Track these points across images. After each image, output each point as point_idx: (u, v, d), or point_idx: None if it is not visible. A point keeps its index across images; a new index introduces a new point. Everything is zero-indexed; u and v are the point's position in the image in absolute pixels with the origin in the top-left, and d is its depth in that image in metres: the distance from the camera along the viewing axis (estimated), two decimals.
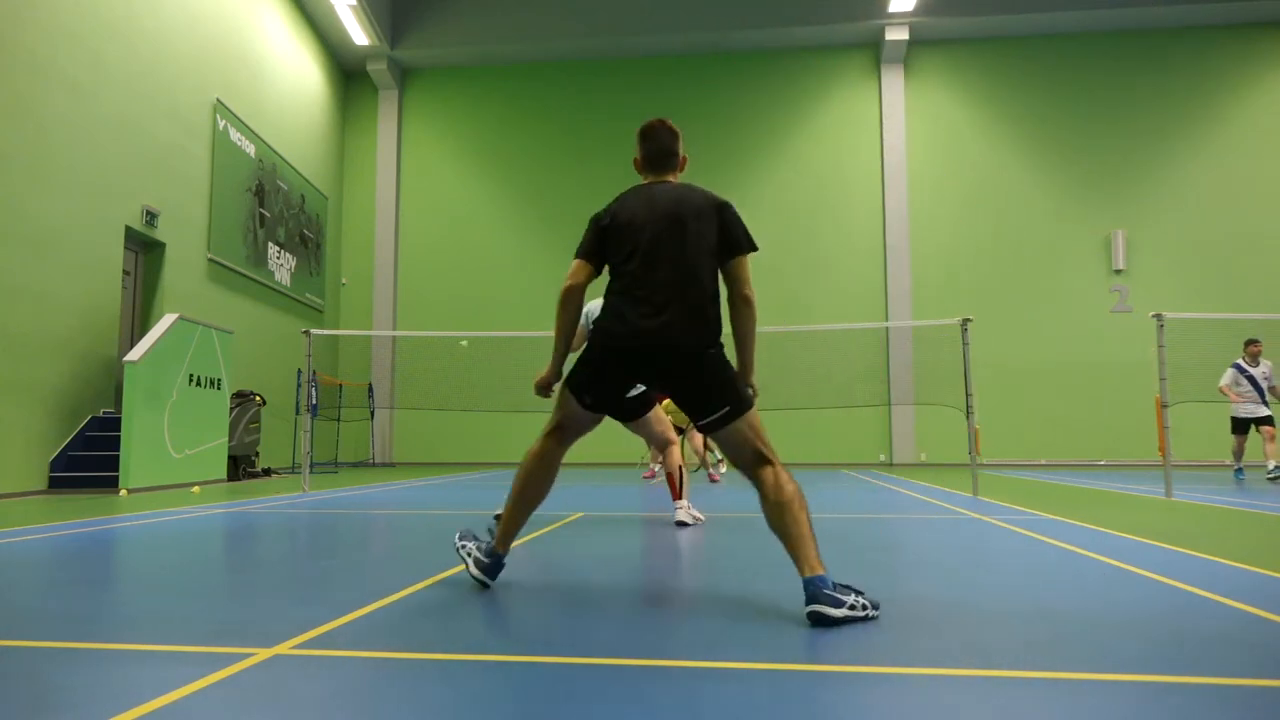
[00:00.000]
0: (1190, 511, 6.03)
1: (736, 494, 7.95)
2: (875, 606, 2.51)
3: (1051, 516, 5.56)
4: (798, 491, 2.71)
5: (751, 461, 2.79)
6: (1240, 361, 10.44)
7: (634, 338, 2.79)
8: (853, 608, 2.43)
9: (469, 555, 3.02)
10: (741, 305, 2.93)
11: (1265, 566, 3.41)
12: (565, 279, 2.95)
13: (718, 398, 2.76)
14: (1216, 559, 3.63)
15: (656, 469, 10.34)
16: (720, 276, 2.93)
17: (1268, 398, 10.24)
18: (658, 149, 3.07)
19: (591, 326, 2.94)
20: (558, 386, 3.04)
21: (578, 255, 2.98)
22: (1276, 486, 9.21)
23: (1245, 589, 2.91)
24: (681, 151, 3.11)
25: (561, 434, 2.99)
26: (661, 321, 2.78)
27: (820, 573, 2.48)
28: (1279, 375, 10.38)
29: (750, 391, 2.92)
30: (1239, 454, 10.57)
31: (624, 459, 15.76)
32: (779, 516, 2.69)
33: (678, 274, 2.83)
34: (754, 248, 2.92)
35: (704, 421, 2.79)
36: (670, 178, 3.07)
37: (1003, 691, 1.78)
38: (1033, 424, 15.38)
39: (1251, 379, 10.27)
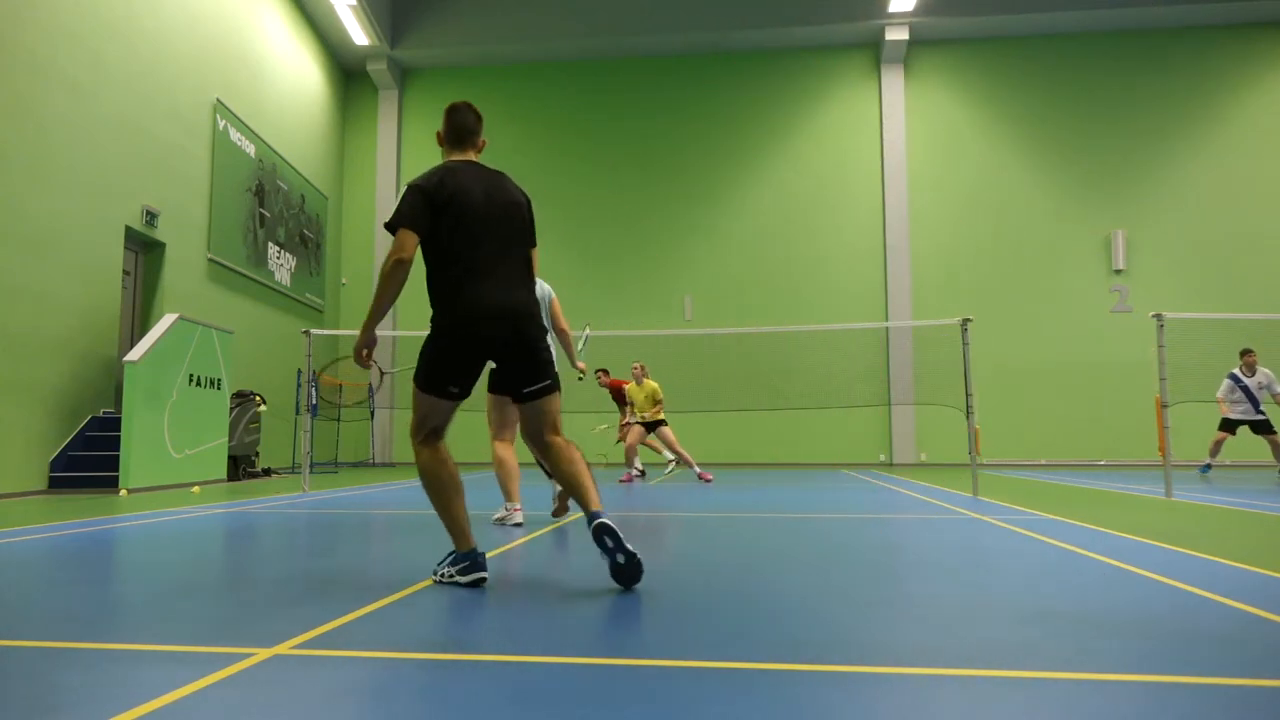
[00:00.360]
0: (1190, 511, 6.03)
1: (739, 494, 7.95)
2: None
3: (1051, 516, 5.56)
4: (579, 453, 3.19)
5: (551, 429, 3.19)
6: (1236, 371, 10.59)
7: (498, 319, 3.05)
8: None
9: (450, 577, 3.04)
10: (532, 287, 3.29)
11: (1265, 566, 3.40)
12: (395, 251, 3.07)
13: (544, 374, 3.14)
14: (1216, 559, 3.63)
15: (634, 474, 10.47)
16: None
17: (1262, 406, 10.35)
18: (463, 124, 3.28)
19: (459, 314, 3.07)
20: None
21: (404, 226, 3.07)
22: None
23: (1245, 589, 2.91)
24: (482, 134, 3.34)
25: (438, 436, 3.20)
26: (516, 301, 3.10)
27: (601, 509, 2.98)
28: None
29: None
30: (1215, 450, 10.71)
31: (623, 459, 15.74)
32: (574, 471, 3.10)
33: (517, 257, 3.20)
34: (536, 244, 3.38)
35: (528, 391, 3.14)
36: (473, 155, 3.30)
37: (1003, 691, 1.78)
38: (1033, 424, 15.38)
39: (1246, 389, 10.42)
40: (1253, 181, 15.47)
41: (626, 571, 2.91)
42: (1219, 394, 10.67)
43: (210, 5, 11.83)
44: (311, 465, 9.34)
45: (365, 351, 3.26)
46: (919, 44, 16.31)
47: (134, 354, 8.53)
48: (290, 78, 14.61)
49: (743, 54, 16.84)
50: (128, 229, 9.89)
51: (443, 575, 3.06)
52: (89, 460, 8.66)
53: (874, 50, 16.48)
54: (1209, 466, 10.92)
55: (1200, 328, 12.45)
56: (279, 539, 4.55)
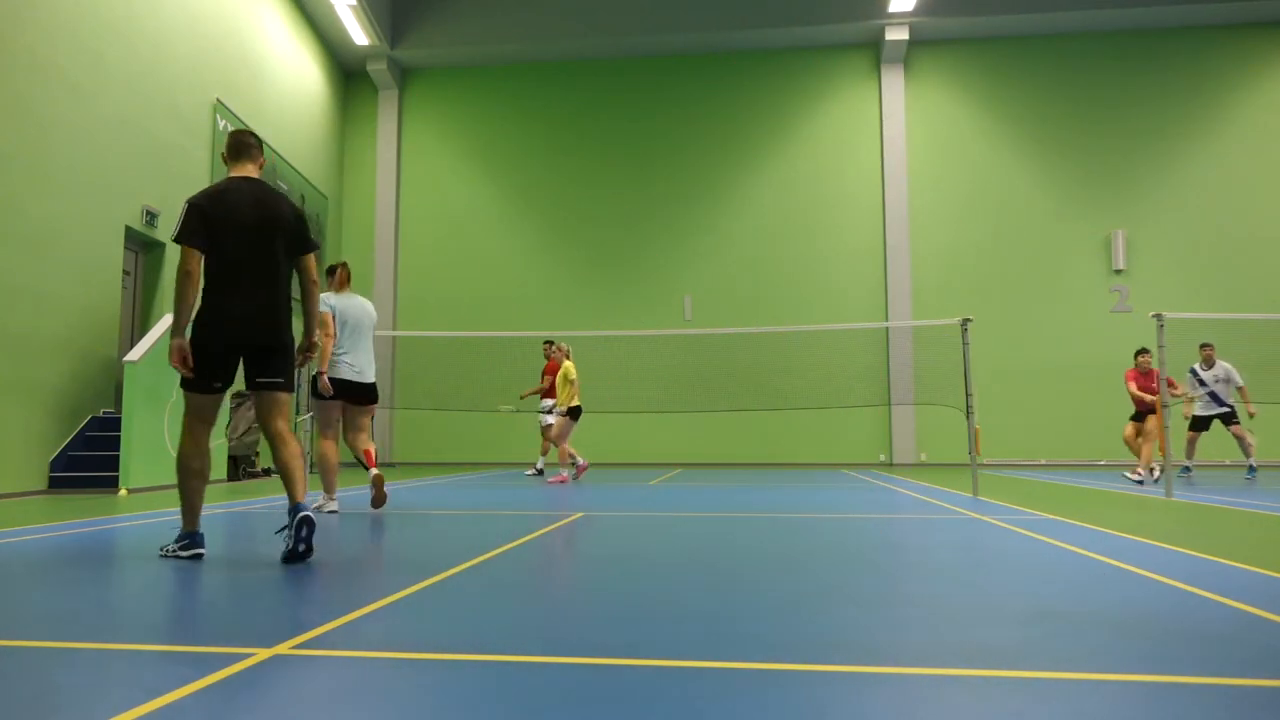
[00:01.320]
0: (1190, 511, 6.03)
1: (739, 495, 7.95)
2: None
3: (1051, 516, 5.56)
4: (300, 448, 3.75)
5: (278, 418, 3.75)
6: (1195, 366, 10.65)
7: (243, 321, 3.60)
8: (319, 508, 3.77)
9: (173, 552, 3.62)
10: (312, 288, 3.92)
11: (1265, 566, 3.41)
12: (182, 264, 3.54)
13: (278, 371, 3.71)
14: (1216, 559, 3.63)
15: (567, 474, 10.04)
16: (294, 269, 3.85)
17: (1228, 398, 10.36)
18: (241, 142, 3.84)
19: (208, 318, 3.62)
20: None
21: (185, 242, 3.56)
22: (1257, 485, 9.28)
23: (1245, 589, 2.91)
24: (262, 155, 3.92)
25: (205, 424, 3.72)
26: (261, 305, 3.63)
27: (304, 502, 3.55)
28: (1244, 373, 10.54)
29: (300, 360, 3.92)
30: (1189, 450, 10.75)
31: (623, 459, 15.76)
32: (288, 460, 3.66)
33: (276, 266, 3.70)
34: (316, 246, 3.90)
35: (260, 381, 3.69)
36: (251, 170, 3.83)
37: (1003, 691, 1.78)
38: (1033, 424, 15.37)
39: (1204, 383, 10.50)
40: (1253, 181, 15.47)
41: (298, 557, 3.49)
42: (1185, 390, 10.74)
43: (210, 5, 11.83)
44: (311, 466, 9.34)
45: (179, 356, 3.59)
46: (919, 44, 16.31)
47: (134, 354, 8.53)
48: (290, 78, 14.62)
49: (743, 54, 16.84)
50: (128, 229, 9.90)
51: (168, 550, 3.64)
52: (89, 460, 8.66)
53: (874, 50, 16.48)
54: (1188, 468, 10.95)
55: (1200, 328, 12.45)
56: (279, 539, 4.55)
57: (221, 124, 12.00)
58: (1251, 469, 10.29)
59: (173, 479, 8.99)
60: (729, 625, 2.40)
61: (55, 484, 8.45)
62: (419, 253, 17.05)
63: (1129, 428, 10.28)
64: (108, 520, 5.45)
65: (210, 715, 1.62)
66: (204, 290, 3.61)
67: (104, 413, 9.23)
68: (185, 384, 3.62)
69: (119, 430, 8.46)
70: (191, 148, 11.29)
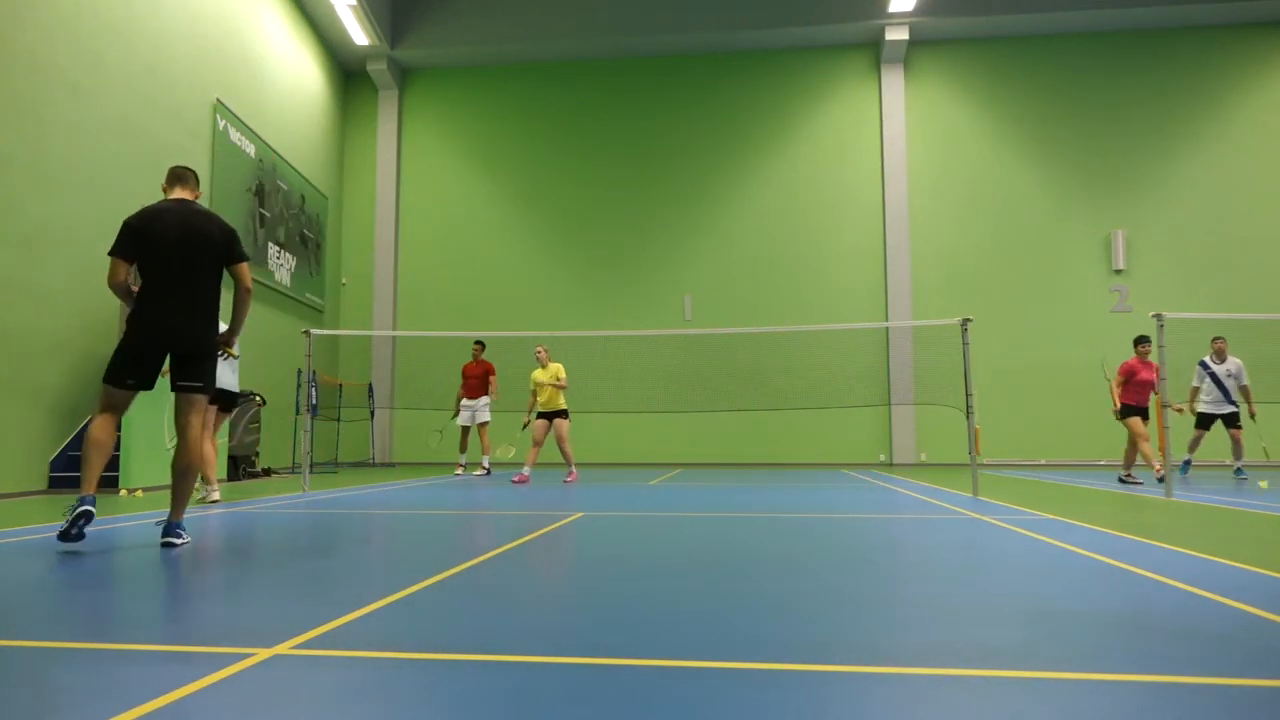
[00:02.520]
0: (1190, 511, 6.03)
1: (739, 495, 7.95)
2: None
3: (1051, 516, 5.56)
4: (196, 462, 4.18)
5: (191, 418, 4.16)
6: (1205, 359, 10.42)
7: (166, 332, 4.05)
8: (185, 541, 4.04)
9: (68, 513, 3.89)
10: (244, 295, 4.37)
11: (1265, 566, 3.41)
12: (109, 275, 4.06)
13: (197, 377, 4.18)
14: (1216, 559, 3.63)
15: (528, 471, 10.19)
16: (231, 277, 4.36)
17: (1234, 396, 10.15)
18: (176, 171, 4.36)
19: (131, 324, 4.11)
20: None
21: (114, 255, 4.06)
22: (1250, 485, 9.24)
23: (1245, 589, 2.91)
24: (195, 180, 4.40)
25: (117, 412, 4.14)
26: (183, 317, 4.09)
27: (179, 521, 4.09)
28: (1253, 368, 10.33)
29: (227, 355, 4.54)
30: (1193, 446, 10.52)
31: (623, 459, 15.76)
32: (186, 469, 4.13)
33: (202, 281, 4.16)
34: (247, 257, 4.38)
35: (179, 384, 4.15)
36: (185, 193, 4.32)
37: (1003, 691, 1.78)
38: (1033, 424, 15.37)
39: (1215, 376, 10.22)
40: (1253, 181, 15.47)
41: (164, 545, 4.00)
42: (1194, 383, 10.57)
43: (210, 5, 11.82)
44: (311, 465, 9.34)
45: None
46: (919, 44, 16.31)
47: None
48: (290, 78, 14.62)
49: (743, 54, 16.84)
50: None
51: (66, 512, 3.93)
52: None
53: (874, 50, 16.48)
54: (1188, 463, 10.76)
55: (1200, 328, 12.45)
56: (279, 539, 4.55)
57: (221, 124, 12.00)
58: (1240, 470, 10.29)
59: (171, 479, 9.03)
60: (729, 625, 2.40)
61: (55, 484, 8.45)
62: (419, 253, 17.05)
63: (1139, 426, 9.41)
64: (108, 520, 5.45)
65: (210, 715, 1.62)
66: (136, 298, 4.11)
67: None
68: (105, 377, 4.09)
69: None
70: (191, 148, 11.29)
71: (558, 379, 10.10)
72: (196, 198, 4.39)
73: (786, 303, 15.98)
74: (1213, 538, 4.45)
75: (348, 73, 17.34)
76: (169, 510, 4.14)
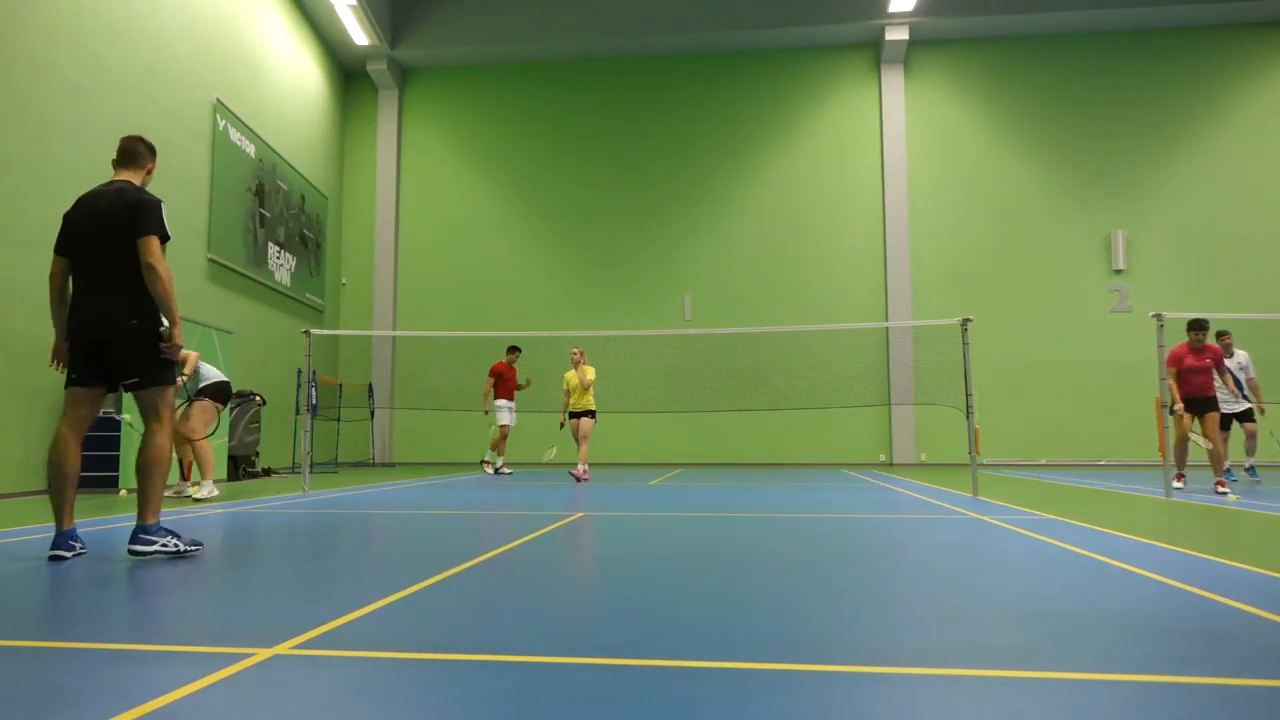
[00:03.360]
0: (1190, 511, 6.03)
1: (739, 495, 7.95)
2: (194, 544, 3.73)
3: (1051, 516, 5.56)
4: (161, 461, 3.73)
5: (152, 418, 3.78)
6: None
7: (91, 323, 3.70)
8: (163, 546, 3.63)
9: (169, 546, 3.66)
10: (144, 272, 3.72)
11: (1265, 566, 3.41)
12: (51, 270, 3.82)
13: (135, 370, 3.75)
14: (1216, 559, 3.63)
15: (583, 468, 10.34)
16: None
17: (1246, 391, 9.71)
18: (122, 148, 3.99)
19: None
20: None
21: (55, 250, 3.83)
22: (1259, 484, 9.16)
23: (1245, 589, 2.91)
24: (149, 159, 4.05)
25: (70, 418, 3.75)
26: (103, 305, 3.70)
27: (149, 523, 3.65)
28: (1255, 367, 9.83)
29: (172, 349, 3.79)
30: (1223, 451, 9.05)
31: (623, 459, 15.76)
32: (149, 467, 3.70)
33: (112, 264, 3.71)
34: (147, 231, 3.71)
35: (125, 385, 3.78)
36: (126, 174, 3.95)
37: (1003, 691, 1.78)
38: (1033, 424, 15.38)
39: (1227, 371, 9.48)
40: (1253, 181, 15.47)
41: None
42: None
43: (210, 5, 11.82)
44: (311, 465, 9.34)
45: (53, 355, 3.86)
46: (919, 44, 16.31)
47: None
48: (290, 78, 14.61)
49: (743, 54, 16.84)
50: None
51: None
52: (89, 460, 8.63)
53: (874, 50, 16.48)
54: (1231, 471, 9.48)
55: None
56: (279, 539, 4.55)
57: (221, 124, 12.00)
58: (1253, 470, 10.12)
59: (172, 480, 9.03)
60: (729, 625, 2.40)
61: None
62: (419, 252, 17.06)
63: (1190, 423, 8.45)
64: (108, 520, 5.45)
65: (210, 715, 1.62)
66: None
67: (104, 413, 9.22)
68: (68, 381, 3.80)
69: (119, 430, 8.46)
70: (191, 148, 11.29)
71: (586, 381, 10.45)
72: (149, 172, 4.06)
73: (786, 303, 15.98)
74: (1213, 538, 4.45)
75: (348, 73, 17.34)
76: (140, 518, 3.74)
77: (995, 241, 15.90)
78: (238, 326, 11.68)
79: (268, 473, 11.76)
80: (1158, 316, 7.52)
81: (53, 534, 3.69)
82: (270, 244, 13.62)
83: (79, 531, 3.84)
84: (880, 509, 6.29)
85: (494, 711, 1.64)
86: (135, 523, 3.67)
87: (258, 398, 11.40)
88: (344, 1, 14.76)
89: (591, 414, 10.52)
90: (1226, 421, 9.79)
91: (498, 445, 11.86)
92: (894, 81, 16.26)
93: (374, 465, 16.10)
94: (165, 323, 3.79)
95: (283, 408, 13.61)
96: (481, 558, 3.69)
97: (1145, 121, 15.84)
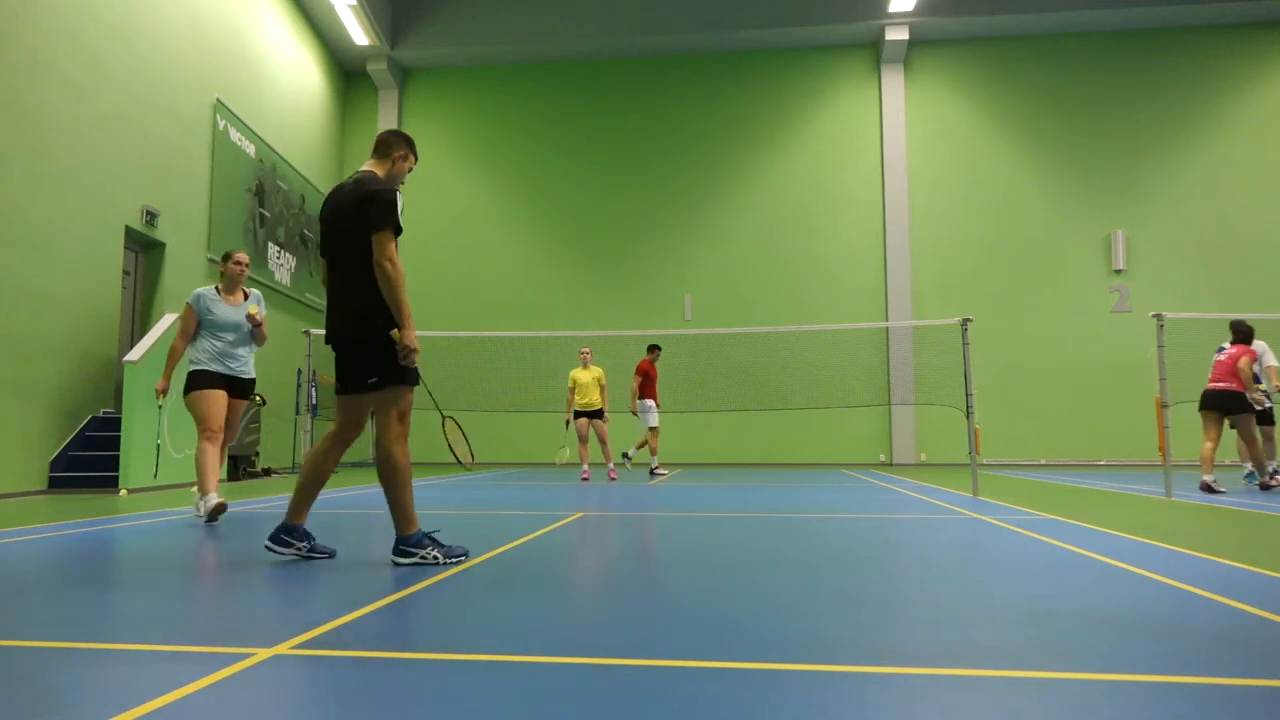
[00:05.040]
0: (1190, 511, 6.03)
1: (738, 494, 7.95)
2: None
3: (1051, 516, 5.56)
4: (398, 471, 3.54)
5: (379, 427, 3.58)
6: (1226, 345, 8.92)
7: (327, 332, 3.57)
8: (424, 558, 3.44)
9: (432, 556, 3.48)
10: (375, 270, 3.42)
11: (1265, 566, 3.40)
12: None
13: (375, 371, 3.47)
14: (1216, 559, 3.63)
15: (588, 468, 10.49)
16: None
17: (1265, 388, 9.37)
18: (379, 139, 3.72)
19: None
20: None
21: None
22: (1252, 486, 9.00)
23: (1245, 589, 2.91)
24: (398, 148, 3.69)
25: (338, 429, 3.68)
26: (336, 317, 3.53)
27: (407, 532, 3.46)
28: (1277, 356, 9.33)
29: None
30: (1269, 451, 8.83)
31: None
32: (381, 479, 3.54)
33: (345, 263, 3.49)
34: (384, 226, 3.39)
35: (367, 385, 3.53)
36: (371, 163, 3.65)
37: (1003, 691, 1.78)
38: (1033, 424, 15.38)
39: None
40: (1253, 181, 15.47)
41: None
42: (1270, 363, 9.61)
43: (210, 5, 11.82)
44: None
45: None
46: (919, 44, 16.31)
47: (134, 354, 8.53)
48: (290, 78, 14.61)
49: (742, 54, 16.85)
50: (128, 229, 9.89)
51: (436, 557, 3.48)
52: (89, 460, 8.66)
53: (874, 50, 16.48)
54: (1253, 474, 9.04)
55: (1200, 328, 12.44)
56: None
57: (221, 124, 12.00)
58: (1252, 475, 9.77)
59: (172, 480, 9.04)
60: (729, 625, 2.40)
61: (55, 484, 8.45)
62: (419, 252, 17.03)
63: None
64: (108, 520, 5.44)
65: (210, 715, 1.62)
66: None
67: (104, 413, 9.23)
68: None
69: (119, 430, 8.46)
70: (191, 148, 11.29)
71: (600, 381, 10.54)
72: (398, 160, 3.68)
73: (786, 303, 15.98)
74: (1213, 538, 4.45)
75: (348, 73, 17.34)
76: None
77: (995, 241, 15.91)
78: None
79: (268, 473, 11.76)
80: (1158, 316, 7.52)
81: (53, 533, 3.68)
82: (270, 244, 13.62)
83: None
84: (880, 509, 6.29)
85: (494, 711, 1.64)
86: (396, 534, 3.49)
87: (258, 398, 11.40)
88: (344, 1, 14.76)
89: (602, 414, 10.60)
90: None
91: (653, 445, 11.47)
92: (894, 81, 16.26)
93: (374, 465, 16.08)
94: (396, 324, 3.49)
95: (283, 408, 13.61)
96: (482, 558, 3.69)
97: (1145, 121, 15.84)
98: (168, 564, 3.59)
